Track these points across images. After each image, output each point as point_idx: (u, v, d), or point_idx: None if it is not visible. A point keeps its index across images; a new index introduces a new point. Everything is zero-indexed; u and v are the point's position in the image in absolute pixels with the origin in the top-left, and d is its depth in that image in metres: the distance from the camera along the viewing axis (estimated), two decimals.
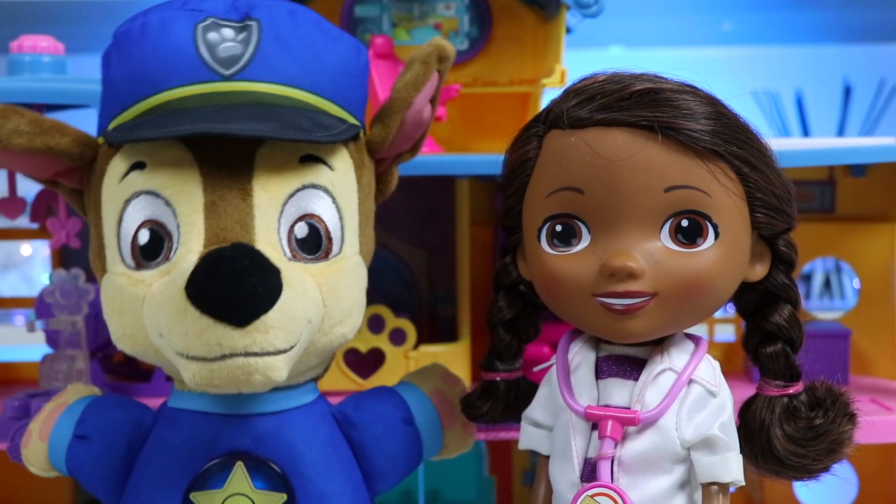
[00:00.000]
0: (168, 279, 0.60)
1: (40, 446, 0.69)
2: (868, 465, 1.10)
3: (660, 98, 0.60)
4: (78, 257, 1.02)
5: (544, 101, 0.99)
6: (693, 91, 0.62)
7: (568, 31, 0.99)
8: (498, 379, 0.71)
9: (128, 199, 0.63)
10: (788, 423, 0.66)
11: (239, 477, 0.65)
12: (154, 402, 0.93)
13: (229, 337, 0.57)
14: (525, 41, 1.04)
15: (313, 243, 0.64)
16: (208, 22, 0.63)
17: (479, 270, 1.07)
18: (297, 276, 0.60)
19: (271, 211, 0.62)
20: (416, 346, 0.96)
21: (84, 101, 0.85)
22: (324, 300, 0.63)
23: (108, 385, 0.96)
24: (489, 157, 0.93)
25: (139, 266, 0.63)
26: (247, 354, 0.58)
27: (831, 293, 3.09)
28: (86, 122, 0.81)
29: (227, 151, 0.62)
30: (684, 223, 0.60)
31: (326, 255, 0.65)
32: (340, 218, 0.66)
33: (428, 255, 1.09)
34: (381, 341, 0.94)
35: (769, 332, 0.66)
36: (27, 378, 1.06)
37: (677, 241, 0.61)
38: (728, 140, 0.60)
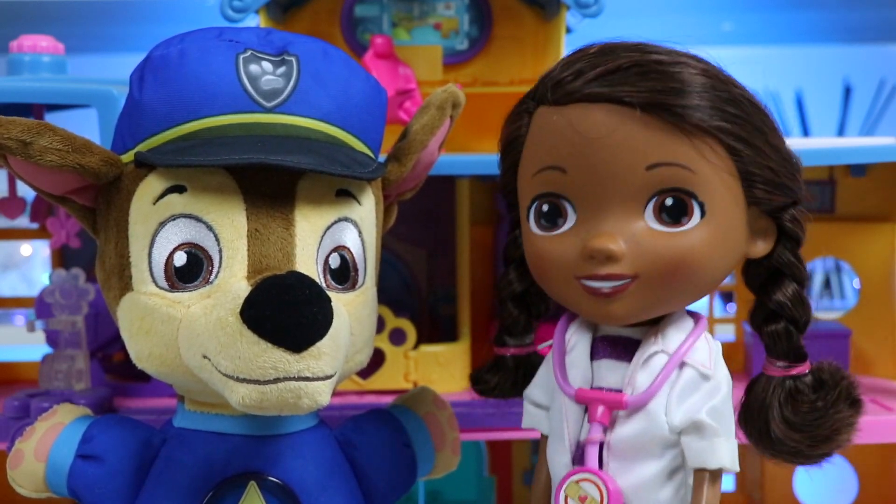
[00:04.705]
0: (212, 302, 0.61)
1: (37, 467, 0.68)
2: (868, 465, 1.10)
3: (647, 71, 0.57)
4: (78, 257, 1.02)
5: None
6: (687, 62, 0.59)
7: (568, 31, 0.99)
8: (507, 354, 0.71)
9: (163, 221, 0.63)
10: (788, 404, 0.64)
11: (252, 496, 0.66)
12: (154, 403, 0.94)
13: (285, 361, 0.58)
14: (525, 41, 1.04)
15: (344, 274, 0.66)
16: (248, 54, 0.64)
17: (479, 270, 1.07)
18: (338, 306, 0.62)
19: (311, 241, 0.64)
20: (415, 346, 0.96)
21: (84, 101, 0.85)
22: (350, 329, 0.64)
23: (109, 385, 0.96)
24: (489, 157, 0.92)
25: (174, 287, 0.63)
26: (299, 379, 0.59)
27: (831, 293, 3.09)
28: (86, 122, 0.81)
29: (270, 181, 0.63)
30: (668, 202, 0.58)
31: (353, 286, 0.67)
32: (364, 251, 0.68)
33: (428, 255, 1.09)
34: (381, 341, 0.94)
35: (772, 311, 0.64)
36: (27, 378, 1.06)
37: (662, 220, 0.58)
38: (717, 115, 0.58)
